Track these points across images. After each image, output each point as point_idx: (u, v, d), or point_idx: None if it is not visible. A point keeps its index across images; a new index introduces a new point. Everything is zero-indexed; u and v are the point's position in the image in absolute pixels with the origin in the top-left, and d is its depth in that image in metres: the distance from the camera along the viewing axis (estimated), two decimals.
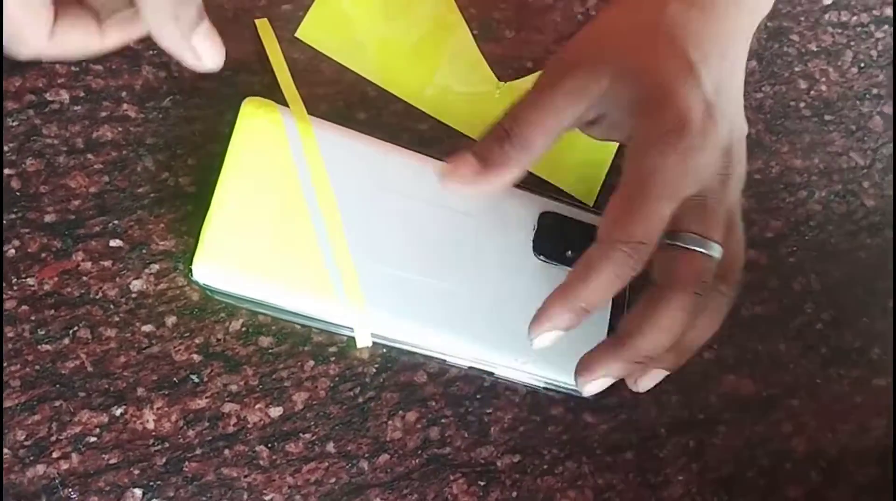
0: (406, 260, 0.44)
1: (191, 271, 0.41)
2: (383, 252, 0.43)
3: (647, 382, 0.43)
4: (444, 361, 0.45)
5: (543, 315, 0.40)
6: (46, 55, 0.36)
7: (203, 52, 0.36)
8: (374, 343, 0.44)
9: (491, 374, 0.45)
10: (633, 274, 0.39)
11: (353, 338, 0.44)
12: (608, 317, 0.46)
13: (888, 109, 0.57)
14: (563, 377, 0.45)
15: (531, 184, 0.49)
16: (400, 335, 0.43)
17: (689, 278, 0.40)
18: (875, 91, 0.56)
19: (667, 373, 0.43)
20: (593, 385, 0.41)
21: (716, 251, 0.41)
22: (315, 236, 0.42)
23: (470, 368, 0.45)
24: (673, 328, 0.40)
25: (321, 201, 0.43)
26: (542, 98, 0.41)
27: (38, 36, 0.35)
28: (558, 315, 0.40)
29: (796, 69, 0.56)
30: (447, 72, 0.50)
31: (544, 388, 0.46)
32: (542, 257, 0.46)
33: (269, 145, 0.42)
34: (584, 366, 0.41)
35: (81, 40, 0.37)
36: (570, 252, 0.46)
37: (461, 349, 0.44)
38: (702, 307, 0.41)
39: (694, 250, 0.40)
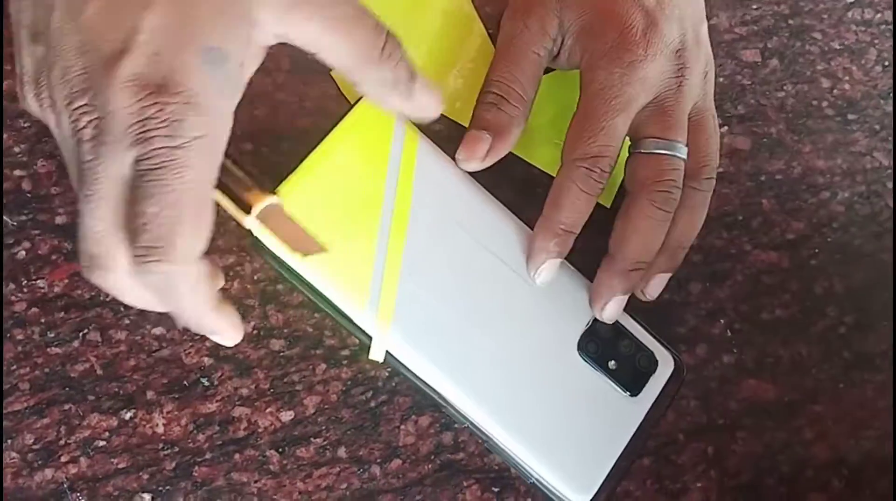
0: (449, 298, 0.42)
1: (250, 212, 0.38)
2: (431, 282, 0.42)
3: (652, 289, 0.45)
4: (446, 407, 0.43)
5: (534, 250, 0.43)
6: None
7: (422, 104, 0.39)
8: (385, 361, 0.43)
9: (488, 439, 0.43)
10: (599, 187, 0.42)
11: (368, 345, 0.43)
12: (624, 443, 0.44)
13: None
14: (556, 481, 0.42)
15: None
16: (412, 365, 0.42)
17: (652, 180, 0.43)
18: None
19: (669, 275, 0.45)
20: (608, 310, 0.43)
21: (678, 151, 0.43)
22: (375, 239, 0.41)
23: (470, 425, 0.43)
24: (651, 230, 0.43)
25: (396, 210, 0.42)
26: (513, 51, 0.45)
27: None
28: (546, 244, 0.42)
29: (819, 68, 0.55)
30: (462, 71, 0.50)
31: (533, 482, 0.43)
32: (582, 355, 0.44)
33: (374, 139, 0.42)
34: (592, 297, 0.44)
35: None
36: (612, 362, 0.44)
37: (466, 407, 0.42)
38: (677, 205, 0.44)
39: (654, 153, 0.43)
